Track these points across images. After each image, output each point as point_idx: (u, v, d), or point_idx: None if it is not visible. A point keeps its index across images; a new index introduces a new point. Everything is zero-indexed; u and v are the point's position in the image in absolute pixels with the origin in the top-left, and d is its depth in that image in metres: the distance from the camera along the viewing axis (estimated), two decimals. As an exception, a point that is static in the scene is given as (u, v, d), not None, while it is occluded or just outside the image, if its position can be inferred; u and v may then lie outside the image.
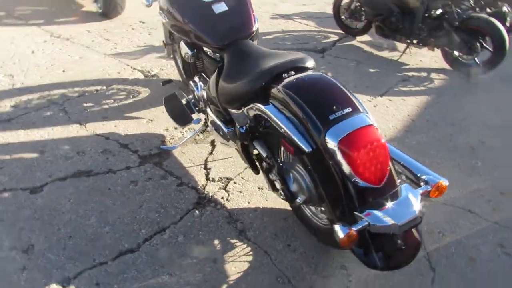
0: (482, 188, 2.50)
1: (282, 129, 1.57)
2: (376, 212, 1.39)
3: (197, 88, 2.40)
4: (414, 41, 4.43)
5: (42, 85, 3.10)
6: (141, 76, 3.38)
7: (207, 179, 2.33)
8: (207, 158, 2.51)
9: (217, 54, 2.20)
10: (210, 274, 1.78)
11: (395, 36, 4.56)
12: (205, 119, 2.47)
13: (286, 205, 2.17)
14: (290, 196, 1.80)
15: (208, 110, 2.25)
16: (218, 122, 2.13)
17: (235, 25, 2.09)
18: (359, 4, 4.77)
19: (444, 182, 1.47)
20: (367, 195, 1.44)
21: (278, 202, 2.21)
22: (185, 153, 2.52)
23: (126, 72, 3.41)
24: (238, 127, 1.94)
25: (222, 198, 2.21)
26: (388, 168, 1.45)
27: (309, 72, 1.71)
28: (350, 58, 4.33)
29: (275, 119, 1.61)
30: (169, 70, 3.52)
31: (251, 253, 1.90)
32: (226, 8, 2.11)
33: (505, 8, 4.03)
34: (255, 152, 2.00)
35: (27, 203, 2.05)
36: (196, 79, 2.44)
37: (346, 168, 1.40)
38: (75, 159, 2.37)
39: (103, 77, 3.30)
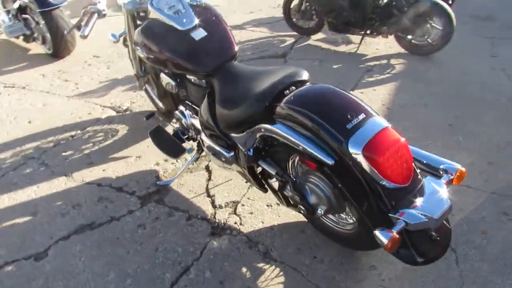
0: (471, 161, 2.63)
1: (300, 147, 1.57)
2: (410, 210, 1.43)
3: (184, 117, 2.36)
4: (368, 32, 4.59)
5: (12, 141, 2.92)
6: (114, 113, 3.27)
7: (214, 206, 2.29)
8: (207, 185, 2.46)
9: (203, 80, 2.17)
10: (248, 304, 1.75)
11: (348, 29, 4.70)
12: (198, 146, 2.43)
13: (299, 218, 2.18)
14: (311, 209, 1.80)
15: (203, 136, 2.21)
16: (217, 148, 2.10)
17: (218, 49, 2.07)
18: (308, 4, 4.87)
19: (463, 168, 1.53)
20: (397, 195, 1.47)
21: (290, 216, 2.21)
22: (183, 185, 2.46)
23: (96, 112, 3.28)
24: (244, 150, 1.92)
25: (235, 223, 2.18)
26: (413, 165, 1.49)
27: (310, 85, 1.73)
28: (311, 58, 4.41)
29: (289, 137, 1.61)
30: (140, 102, 3.43)
31: (281, 273, 1.89)
32: (206, 34, 2.08)
33: (445, -12, 4.24)
34: (260, 170, 1.99)
35: (36, 273, 1.93)
36: (182, 108, 2.40)
37: (373, 173, 1.43)
38: (72, 213, 2.25)
39: (74, 121, 3.16)
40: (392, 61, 4.37)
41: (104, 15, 2.26)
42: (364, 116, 1.50)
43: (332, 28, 4.78)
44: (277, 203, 2.30)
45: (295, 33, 5.21)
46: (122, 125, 3.09)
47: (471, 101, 3.43)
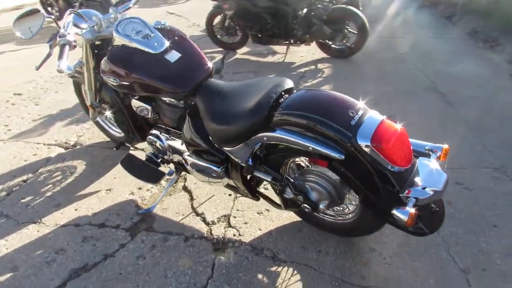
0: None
1: (310, 148, 1.68)
2: (417, 188, 1.62)
3: (160, 140, 2.34)
4: (292, 41, 4.89)
5: (-47, 198, 2.60)
6: (62, 150, 3.08)
7: (207, 223, 2.30)
8: (192, 205, 2.45)
9: (180, 101, 2.18)
10: (276, 307, 1.81)
11: (273, 41, 4.96)
12: (176, 168, 2.42)
13: (292, 219, 2.29)
14: (314, 206, 1.92)
15: (185, 156, 2.22)
16: (205, 164, 2.12)
17: (194, 69, 2.11)
18: (231, 20, 5.04)
19: (447, 146, 1.77)
20: (402, 177, 1.65)
21: (283, 219, 2.31)
22: (167, 209, 2.42)
23: (42, 151, 3.06)
24: (240, 161, 1.98)
25: (234, 235, 2.21)
26: (411, 149, 1.69)
27: (301, 91, 1.86)
28: (246, 71, 4.58)
29: (297, 141, 1.71)
30: (88, 135, 3.27)
31: (295, 272, 1.97)
32: (180, 55, 2.11)
33: (355, -4, 4.72)
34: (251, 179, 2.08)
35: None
36: (156, 131, 2.37)
37: (382, 160, 1.59)
38: (59, 260, 2.09)
39: (20, 164, 2.91)
40: (320, 66, 4.71)
41: (75, 46, 2.17)
42: (362, 112, 1.67)
43: (256, 41, 5.01)
44: (267, 209, 2.38)
45: (220, 49, 5.35)
46: (78, 161, 2.92)
47: (399, 92, 3.86)
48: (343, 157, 1.64)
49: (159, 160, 2.44)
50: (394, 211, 1.58)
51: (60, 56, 1.97)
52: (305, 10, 4.71)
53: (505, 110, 3.51)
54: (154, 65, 2.07)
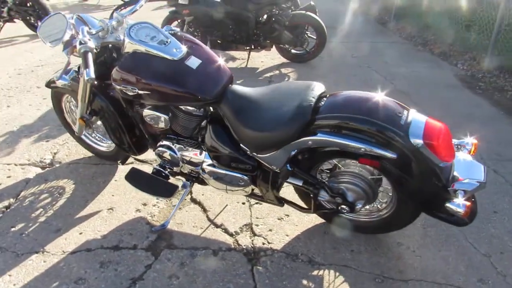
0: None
1: (362, 149, 1.71)
2: (463, 181, 1.72)
3: (172, 151, 2.22)
4: (253, 47, 4.92)
5: None
6: (39, 170, 2.78)
7: (231, 235, 2.23)
8: (207, 216, 2.36)
9: (201, 109, 2.10)
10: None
11: (232, 46, 4.95)
12: (188, 179, 2.32)
13: (314, 222, 2.31)
14: (352, 206, 1.96)
15: (206, 166, 2.14)
16: (232, 173, 2.07)
17: (217, 74, 2.04)
18: (188, 26, 4.94)
19: (475, 140, 1.91)
20: (448, 171, 1.75)
21: (305, 222, 2.32)
22: (182, 223, 2.31)
23: (17, 173, 2.74)
24: (275, 167, 1.95)
25: (263, 243, 2.17)
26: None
27: (339, 94, 1.89)
28: (213, 77, 4.49)
29: (348, 143, 1.73)
30: (64, 151, 3.00)
31: (337, 274, 1.99)
32: (200, 61, 2.03)
33: (312, 2, 4.89)
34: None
35: None
36: (166, 142, 2.24)
37: (432, 157, 1.67)
38: (81, 290, 1.89)
39: (-6, 189, 2.58)
40: (283, 71, 4.80)
41: (97, 51, 1.98)
42: (407, 111, 1.75)
43: (217, 46, 4.97)
44: (286, 215, 2.37)
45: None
46: (64, 180, 2.66)
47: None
48: (395, 156, 1.69)
49: (167, 172, 2.32)
50: (448, 205, 1.67)
51: (87, 65, 1.79)
52: (265, 16, 4.77)
53: (463, 109, 3.87)
54: (176, 72, 1.97)
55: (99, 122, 2.58)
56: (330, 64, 5.00)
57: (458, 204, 1.64)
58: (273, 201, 2.15)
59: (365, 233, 2.21)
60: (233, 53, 5.37)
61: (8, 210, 2.39)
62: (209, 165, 2.14)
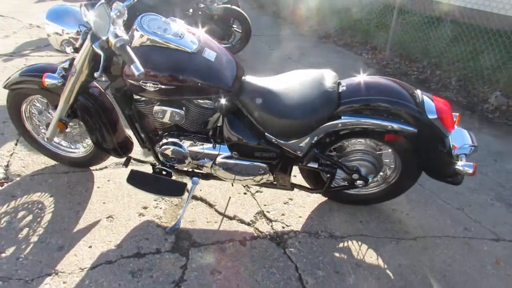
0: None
1: (389, 126, 1.92)
2: (462, 146, 2.05)
3: (180, 147, 2.15)
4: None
5: None
6: (-3, 186, 2.41)
7: (248, 224, 2.26)
8: (216, 210, 2.35)
9: (213, 103, 2.07)
10: (384, 277, 1.99)
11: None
12: (195, 175, 2.27)
13: (318, 201, 2.47)
14: (366, 180, 2.17)
15: (221, 159, 2.13)
16: (253, 163, 2.11)
17: (233, 66, 2.04)
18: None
19: (457, 113, 2.27)
20: (449, 140, 2.06)
21: (309, 203, 2.47)
22: (194, 221, 2.26)
23: (-30, 193, 2.33)
24: (300, 153, 2.05)
25: (283, 227, 2.25)
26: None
27: (356, 79, 2.06)
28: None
29: (377, 122, 1.92)
30: (17, 161, 2.62)
31: (359, 242, 2.18)
32: (215, 53, 2.01)
33: (231, -4, 4.98)
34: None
35: None
36: (173, 139, 2.15)
37: (443, 129, 1.97)
38: (123, 303, 1.74)
39: (-51, 214, 2.16)
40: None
41: (130, 43, 1.78)
42: (416, 92, 2.01)
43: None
44: (290, 198, 2.48)
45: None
46: (37, 193, 2.35)
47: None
48: (416, 130, 1.94)
49: (171, 170, 2.25)
50: (459, 167, 1.97)
51: (131, 60, 1.63)
52: (191, 10, 4.72)
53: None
54: (197, 64, 1.92)
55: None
56: (254, 57, 5.18)
57: (467, 165, 1.96)
58: (285, 186, 2.24)
59: (367, 204, 2.44)
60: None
61: (-13, 234, 2.04)
62: (224, 157, 2.13)
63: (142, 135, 2.23)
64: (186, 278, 1.88)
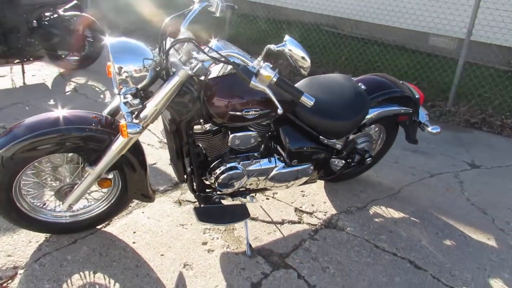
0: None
1: (401, 111, 2.49)
2: (423, 116, 2.78)
3: (237, 169, 2.10)
4: (25, 59, 4.04)
5: None
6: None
7: (298, 222, 2.41)
8: (263, 221, 2.40)
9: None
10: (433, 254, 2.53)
11: (1, 61, 3.91)
12: (250, 192, 2.29)
13: (320, 187, 2.82)
14: (372, 157, 2.65)
15: (276, 171, 2.22)
16: (303, 166, 2.27)
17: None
18: None
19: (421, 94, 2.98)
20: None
21: (315, 188, 2.78)
22: (258, 237, 2.25)
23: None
24: (341, 147, 2.38)
25: (325, 214, 2.51)
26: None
27: (361, 78, 2.51)
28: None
29: (396, 109, 2.47)
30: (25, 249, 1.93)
31: (377, 206, 2.68)
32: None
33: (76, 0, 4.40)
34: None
35: None
36: (231, 164, 2.08)
37: (419, 105, 2.66)
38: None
39: None
40: (77, 80, 4.24)
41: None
42: (403, 82, 2.63)
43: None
44: (302, 191, 2.73)
45: None
46: (66, 271, 1.85)
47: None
48: (411, 110, 2.56)
49: (232, 191, 2.21)
50: (429, 129, 2.68)
51: (300, 91, 1.60)
52: (35, 21, 3.95)
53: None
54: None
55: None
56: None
57: (435, 127, 2.69)
58: (324, 176, 2.53)
59: (358, 175, 2.94)
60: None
61: None
62: (281, 168, 2.22)
63: (190, 168, 2.07)
64: (308, 281, 1.98)
